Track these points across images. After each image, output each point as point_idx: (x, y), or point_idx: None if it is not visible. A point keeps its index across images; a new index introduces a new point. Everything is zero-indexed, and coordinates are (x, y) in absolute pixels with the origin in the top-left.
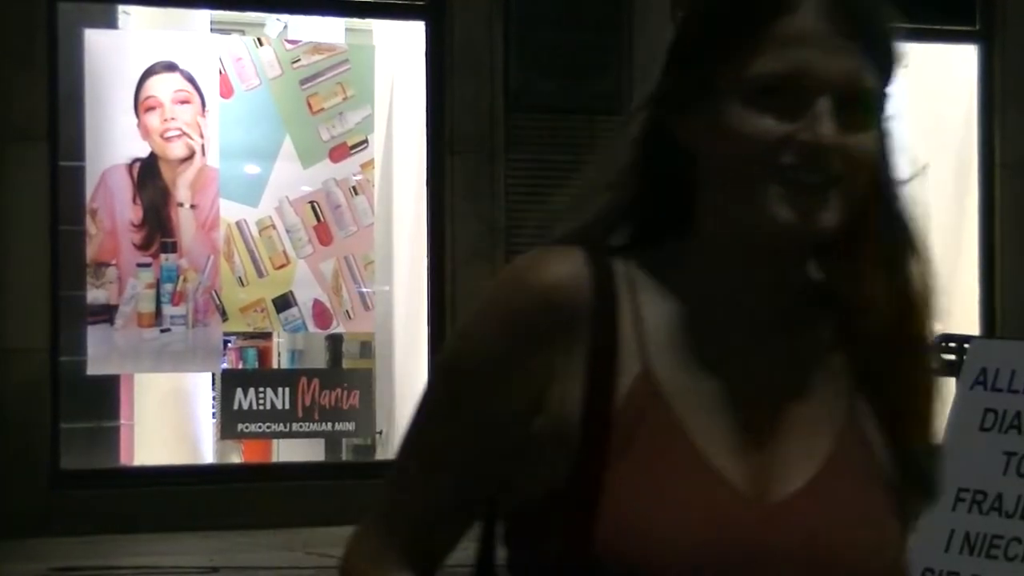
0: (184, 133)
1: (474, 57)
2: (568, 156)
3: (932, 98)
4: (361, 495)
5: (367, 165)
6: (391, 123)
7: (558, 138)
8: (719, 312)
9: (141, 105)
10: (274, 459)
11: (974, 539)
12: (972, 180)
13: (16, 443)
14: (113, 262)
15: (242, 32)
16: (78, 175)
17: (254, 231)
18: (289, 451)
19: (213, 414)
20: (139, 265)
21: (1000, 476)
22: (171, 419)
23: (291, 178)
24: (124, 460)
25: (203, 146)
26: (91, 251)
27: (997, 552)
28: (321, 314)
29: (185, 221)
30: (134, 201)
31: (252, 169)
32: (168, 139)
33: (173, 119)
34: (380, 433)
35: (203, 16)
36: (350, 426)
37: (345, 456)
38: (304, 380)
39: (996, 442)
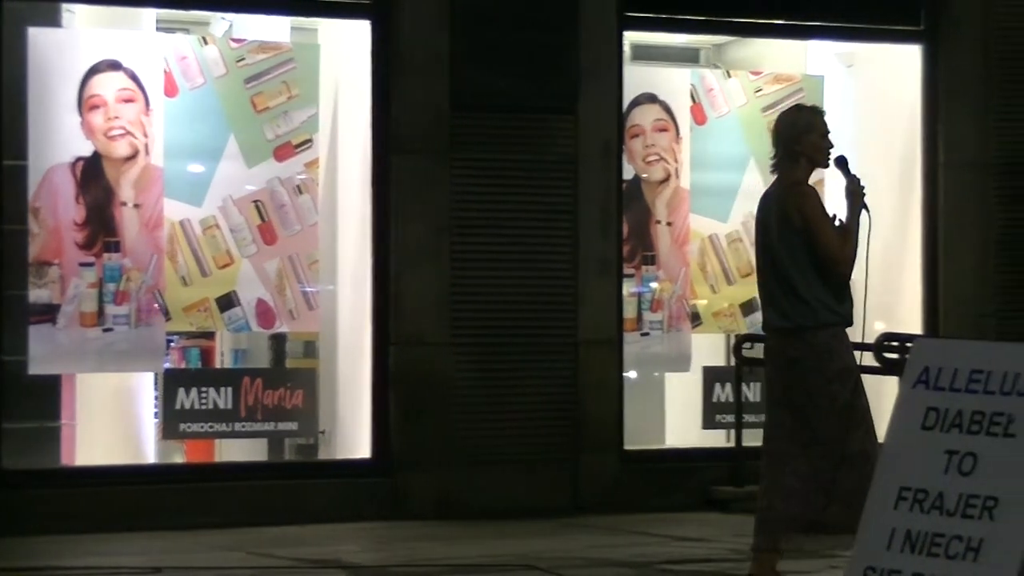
0: (128, 132)
1: (420, 56)
2: (514, 156)
3: (877, 98)
4: (304, 495)
5: (312, 164)
6: (336, 122)
7: (504, 138)
8: None
9: (85, 104)
10: (217, 459)
11: (916, 537)
12: (916, 180)
13: None
14: (56, 261)
15: (187, 31)
16: (21, 174)
17: (198, 230)
18: (232, 451)
19: (156, 414)
20: (82, 264)
21: (942, 475)
22: (114, 419)
23: (235, 177)
24: (66, 460)
25: (147, 145)
26: (34, 250)
27: (938, 550)
28: (265, 314)
29: (129, 220)
30: (77, 200)
31: (196, 168)
32: (112, 138)
33: (117, 118)
34: (323, 433)
35: (148, 15)
36: (293, 426)
37: (288, 456)
38: (247, 380)
39: (938, 441)
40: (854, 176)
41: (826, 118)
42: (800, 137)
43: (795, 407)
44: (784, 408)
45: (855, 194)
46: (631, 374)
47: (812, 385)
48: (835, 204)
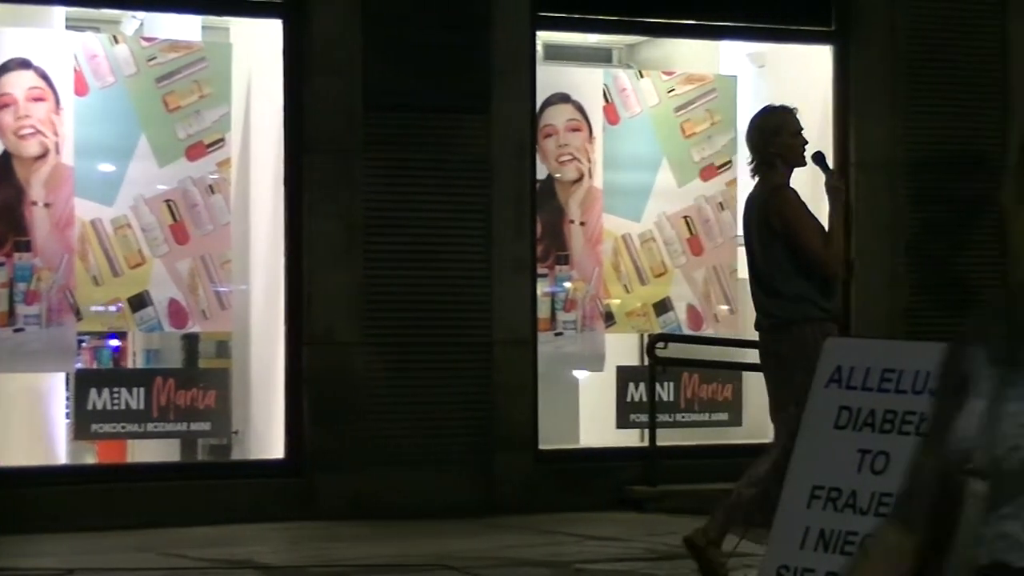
0: (38, 131)
1: (332, 55)
2: (426, 155)
3: (788, 98)
4: (217, 495)
5: (224, 164)
6: (248, 121)
7: (416, 137)
8: None
9: None
10: (129, 459)
11: (829, 536)
12: None
13: None
14: None
15: (97, 29)
16: None
17: (109, 230)
18: (144, 451)
19: (67, 414)
20: None
21: (855, 473)
22: (25, 419)
23: (147, 177)
24: None
25: (58, 144)
26: None
27: (851, 549)
28: (177, 313)
29: (39, 220)
30: None
31: (107, 167)
32: (22, 137)
33: (27, 116)
34: (236, 433)
35: (58, 13)
36: (206, 426)
37: (201, 456)
38: (160, 380)
39: (851, 440)
40: (832, 171)
41: (797, 115)
42: (771, 140)
43: (784, 405)
44: (783, 410)
45: (835, 189)
46: (545, 374)
47: (797, 379)
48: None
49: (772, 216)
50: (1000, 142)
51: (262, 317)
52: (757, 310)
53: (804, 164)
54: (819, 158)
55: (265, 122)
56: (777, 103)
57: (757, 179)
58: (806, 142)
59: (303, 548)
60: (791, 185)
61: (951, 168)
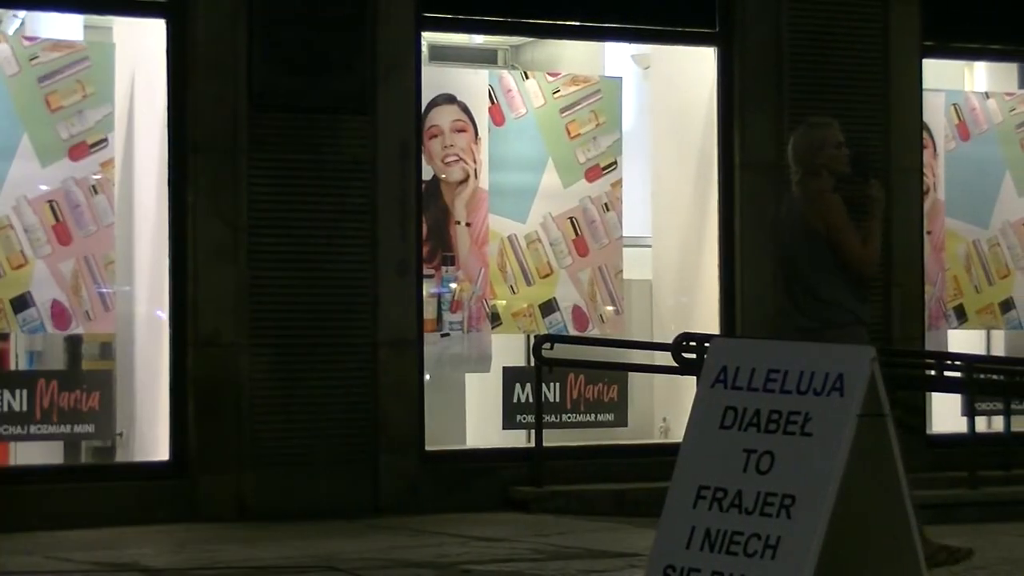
0: None
1: (216, 55)
2: (311, 156)
3: (673, 99)
4: (101, 498)
5: (107, 164)
6: (132, 121)
7: (302, 138)
8: None
9: None
10: (12, 462)
11: (715, 536)
12: (712, 181)
13: None
14: None
15: None
16: None
17: None
18: (27, 454)
19: None
20: None
21: (740, 473)
22: None
23: (29, 177)
24: None
25: None
26: None
27: (737, 548)
28: (60, 315)
29: None
30: None
31: None
32: None
33: None
34: (120, 435)
35: None
36: (90, 428)
37: (85, 458)
38: (42, 382)
39: (736, 440)
40: (874, 180)
41: (838, 129)
42: (817, 153)
43: None
44: None
45: (875, 198)
46: (430, 375)
47: None
48: None
49: (815, 219)
50: (882, 144)
51: (146, 318)
52: (795, 311)
53: (848, 172)
54: (860, 167)
55: (149, 122)
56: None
57: (797, 188)
58: (848, 152)
59: (188, 550)
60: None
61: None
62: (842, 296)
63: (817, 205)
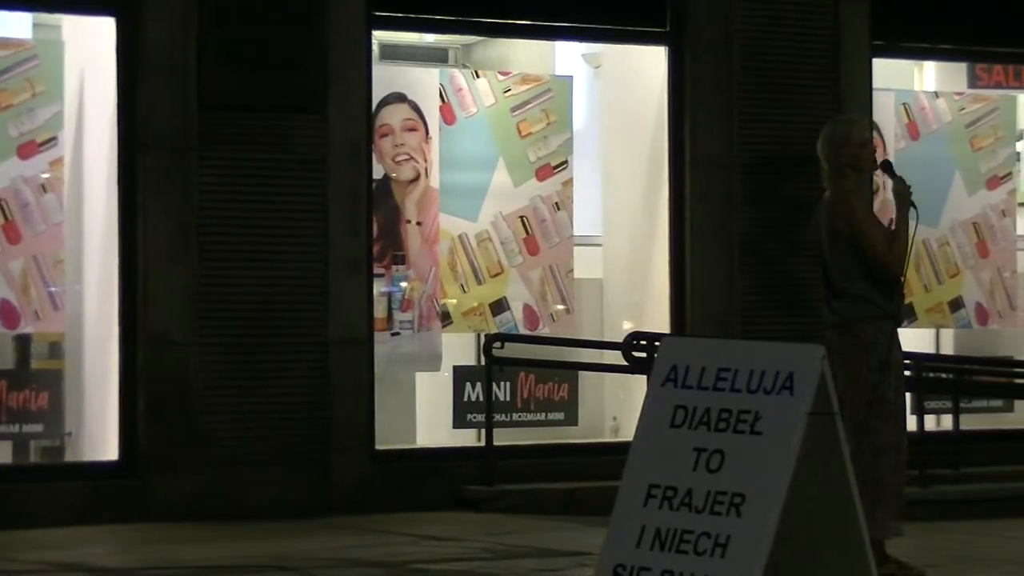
0: None
1: (165, 53)
2: (263, 155)
3: (624, 98)
4: (50, 497)
5: (56, 163)
6: (82, 120)
7: (252, 137)
8: None
9: None
10: None
11: (665, 535)
12: (663, 179)
13: None
14: None
15: None
16: None
17: None
18: None
19: None
20: None
21: (690, 472)
22: None
23: None
24: None
25: None
26: None
27: (687, 547)
28: (9, 314)
29: None
30: None
31: None
32: None
33: None
34: (70, 434)
35: None
36: (39, 427)
37: (34, 458)
38: None
39: (686, 439)
40: (900, 177)
41: (864, 127)
42: (840, 151)
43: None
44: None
45: (902, 194)
46: (381, 374)
47: (853, 375)
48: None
49: (838, 220)
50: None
51: (96, 317)
52: (825, 306)
53: (874, 170)
54: (887, 166)
55: (99, 120)
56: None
57: (828, 187)
58: (874, 151)
59: (138, 550)
60: (859, 191)
61: (785, 168)
62: (868, 292)
63: (840, 206)
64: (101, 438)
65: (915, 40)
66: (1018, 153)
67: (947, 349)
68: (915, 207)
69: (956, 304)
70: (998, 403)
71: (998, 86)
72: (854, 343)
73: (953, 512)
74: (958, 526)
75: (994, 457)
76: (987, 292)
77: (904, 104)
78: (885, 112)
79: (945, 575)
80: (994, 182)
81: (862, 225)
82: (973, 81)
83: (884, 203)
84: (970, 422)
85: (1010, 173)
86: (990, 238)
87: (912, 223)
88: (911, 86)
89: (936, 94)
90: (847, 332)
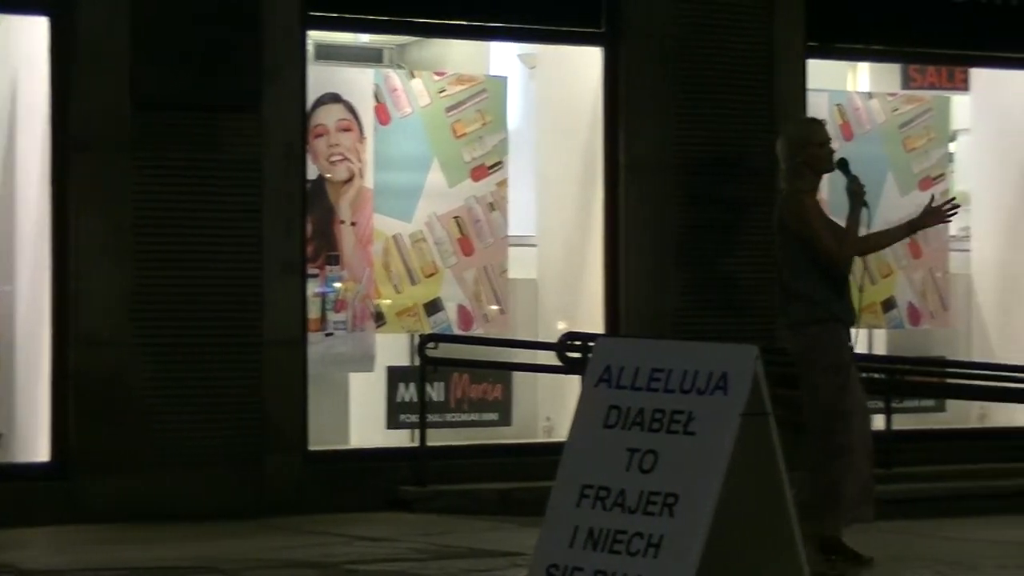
0: None
1: (99, 52)
2: (195, 155)
3: (559, 99)
4: None
5: None
6: (15, 119)
7: (186, 137)
8: None
9: None
10: None
11: (598, 535)
12: (598, 180)
13: None
14: None
15: None
16: None
17: None
18: None
19: None
20: None
21: (623, 472)
22: None
23: None
24: None
25: None
26: None
27: (620, 547)
28: None
29: None
30: None
31: None
32: None
33: None
34: (1, 435)
35: None
36: None
37: None
38: None
39: (620, 439)
40: (854, 176)
41: (824, 127)
42: (798, 150)
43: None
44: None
45: (855, 193)
46: (315, 374)
47: (804, 377)
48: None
49: (788, 218)
50: (767, 144)
51: (27, 317)
52: (781, 307)
53: (831, 171)
54: (843, 164)
55: (32, 120)
56: (547, 103)
57: (785, 186)
58: (832, 151)
59: (69, 552)
60: (816, 191)
61: (720, 170)
62: (818, 293)
63: (792, 205)
64: (33, 439)
65: (849, 41)
66: (951, 154)
67: (880, 349)
68: (868, 207)
69: (889, 304)
70: (930, 403)
71: (931, 87)
72: (805, 345)
73: (886, 512)
74: (892, 526)
75: (926, 457)
76: (919, 293)
77: (838, 105)
78: (819, 113)
79: (879, 575)
80: (927, 183)
81: (812, 224)
82: (907, 82)
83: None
84: (902, 422)
85: (943, 174)
86: (923, 239)
87: (864, 222)
88: (845, 87)
89: (870, 95)
90: (799, 334)
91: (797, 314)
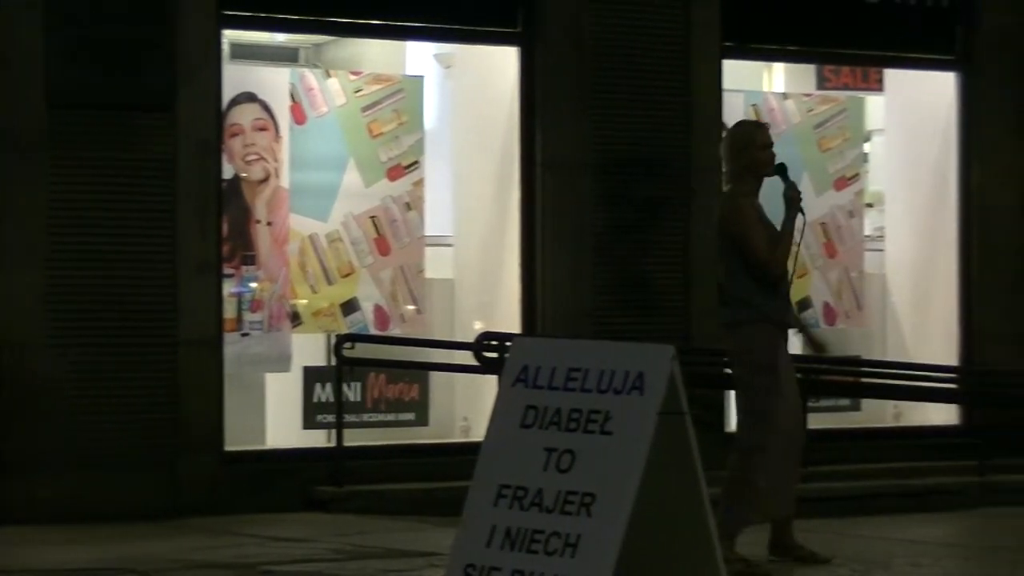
0: None
1: (12, 51)
2: (109, 153)
3: (476, 98)
4: None
5: None
6: None
7: (101, 136)
8: None
9: None
10: None
11: (515, 534)
12: (514, 180)
13: None
14: None
15: None
16: None
17: None
18: None
19: None
20: None
21: (541, 472)
22: None
23: None
24: None
25: None
26: None
27: (537, 547)
28: None
29: None
30: None
31: None
32: None
33: None
34: None
35: None
36: None
37: None
38: None
39: (537, 439)
40: (792, 182)
41: (767, 131)
42: (741, 152)
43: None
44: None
45: (792, 199)
46: (231, 374)
47: (735, 377)
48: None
49: (723, 222)
50: (683, 144)
51: None
52: (719, 310)
53: (771, 175)
54: (781, 169)
55: None
56: (464, 103)
57: (727, 188)
58: (773, 156)
59: None
60: (756, 194)
61: (636, 169)
62: (750, 294)
63: (728, 207)
64: None
65: (764, 41)
66: (865, 154)
67: (795, 349)
68: (803, 212)
69: (804, 304)
70: (846, 402)
71: (846, 88)
72: (738, 345)
73: (801, 511)
74: (807, 525)
75: (842, 456)
76: (835, 292)
77: (753, 105)
78: (735, 113)
79: (791, 573)
80: (841, 183)
81: (744, 227)
82: (822, 83)
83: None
84: (818, 421)
85: (858, 174)
86: (838, 238)
87: (799, 227)
88: (761, 87)
89: (785, 95)
90: (733, 334)
91: (731, 314)
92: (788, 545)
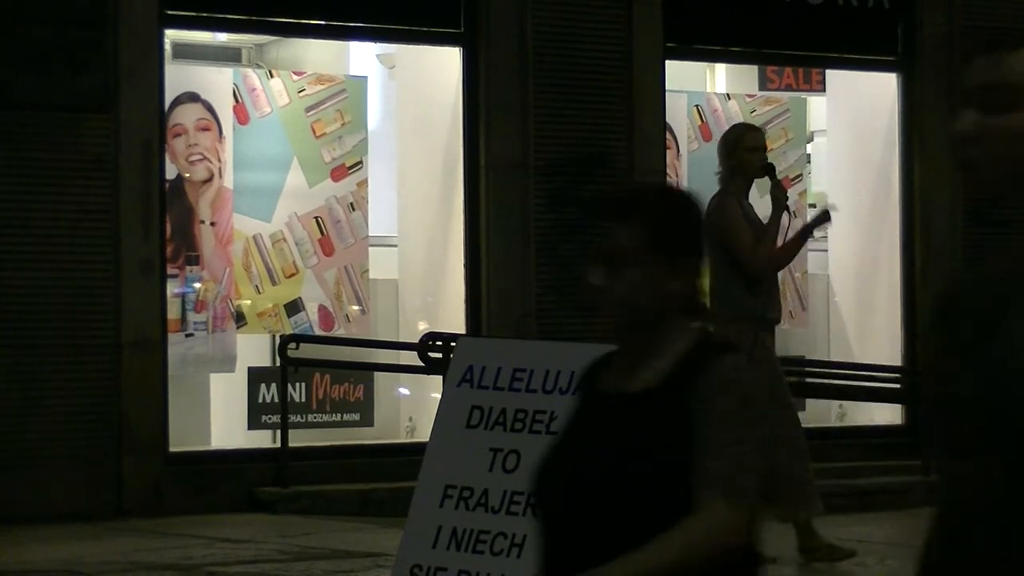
0: None
1: None
2: (49, 155)
3: (420, 99)
4: None
5: None
6: None
7: (42, 135)
8: None
9: None
10: None
11: (461, 535)
12: (458, 181)
13: None
14: None
15: None
16: None
17: None
18: None
19: None
20: None
21: (487, 472)
22: None
23: None
24: None
25: None
26: None
27: (484, 547)
28: None
29: None
30: None
31: None
32: None
33: None
34: None
35: None
36: None
37: None
38: None
39: (482, 439)
40: (778, 182)
41: (758, 134)
42: (731, 153)
43: None
44: None
45: (778, 199)
46: (175, 375)
47: None
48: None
49: (708, 219)
50: (626, 143)
51: None
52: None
53: (760, 176)
54: (769, 169)
55: None
56: (407, 104)
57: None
58: (763, 157)
59: None
60: (745, 195)
61: (581, 170)
62: (733, 292)
63: (713, 206)
64: None
65: (707, 42)
66: (808, 155)
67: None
68: (790, 213)
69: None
70: None
71: (788, 89)
72: None
73: None
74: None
75: None
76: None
77: (696, 106)
78: (678, 114)
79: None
80: (785, 183)
81: (728, 225)
82: (764, 84)
83: None
84: None
85: (801, 174)
86: (780, 241)
87: (785, 226)
88: (704, 88)
89: (728, 96)
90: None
91: (720, 312)
92: (813, 547)
